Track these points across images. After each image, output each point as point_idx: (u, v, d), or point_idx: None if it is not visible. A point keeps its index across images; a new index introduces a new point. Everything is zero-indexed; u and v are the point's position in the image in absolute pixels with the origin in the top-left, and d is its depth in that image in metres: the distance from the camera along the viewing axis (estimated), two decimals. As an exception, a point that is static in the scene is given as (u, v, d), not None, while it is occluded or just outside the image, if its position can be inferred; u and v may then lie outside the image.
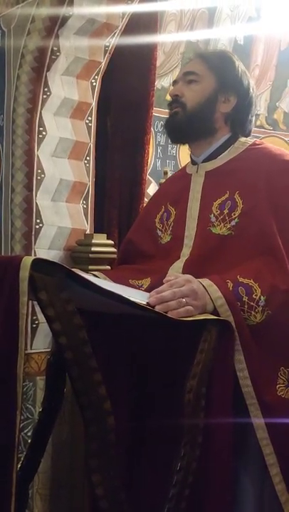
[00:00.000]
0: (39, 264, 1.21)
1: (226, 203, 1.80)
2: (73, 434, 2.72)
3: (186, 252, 1.82)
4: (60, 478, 2.74)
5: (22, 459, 1.67)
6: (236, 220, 1.76)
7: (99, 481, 1.27)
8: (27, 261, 1.20)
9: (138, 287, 1.81)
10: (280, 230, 1.71)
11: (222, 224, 1.78)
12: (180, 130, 1.90)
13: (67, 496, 2.75)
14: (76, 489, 2.69)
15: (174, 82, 1.96)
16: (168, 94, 1.99)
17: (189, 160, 2.02)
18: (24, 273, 1.18)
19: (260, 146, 1.90)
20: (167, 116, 1.93)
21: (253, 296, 1.60)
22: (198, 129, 1.88)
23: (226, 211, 1.79)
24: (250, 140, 1.93)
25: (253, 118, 1.96)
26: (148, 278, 1.82)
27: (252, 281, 1.62)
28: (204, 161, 1.92)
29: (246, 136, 1.95)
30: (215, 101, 1.87)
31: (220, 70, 1.88)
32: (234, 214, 1.77)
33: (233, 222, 1.76)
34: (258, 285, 1.62)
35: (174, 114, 1.88)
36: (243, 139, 1.92)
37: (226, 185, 1.82)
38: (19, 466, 1.64)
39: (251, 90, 1.92)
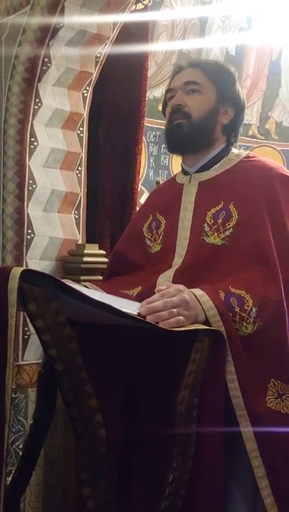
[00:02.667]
0: (28, 274, 1.20)
1: (220, 213, 1.79)
2: (65, 446, 2.71)
3: (178, 261, 1.81)
4: (52, 490, 2.72)
5: (13, 471, 1.66)
6: (231, 230, 1.76)
7: (90, 493, 1.26)
8: (16, 272, 1.19)
9: (129, 296, 1.80)
10: (275, 242, 1.71)
11: (216, 234, 1.77)
12: (184, 141, 1.86)
13: (60, 508, 2.73)
14: (68, 502, 2.67)
15: (171, 91, 1.91)
16: (160, 105, 1.98)
17: (180, 170, 2.01)
18: (13, 284, 1.17)
19: (254, 159, 1.90)
20: (163, 126, 1.91)
21: (245, 307, 1.60)
22: (201, 140, 1.87)
23: (220, 221, 1.78)
24: (243, 152, 1.93)
25: (241, 126, 1.97)
26: (138, 287, 1.82)
27: (244, 292, 1.62)
28: (197, 172, 1.91)
29: (234, 146, 1.95)
30: (217, 112, 1.86)
31: (219, 81, 1.87)
32: (228, 224, 1.76)
33: (227, 233, 1.76)
34: (250, 296, 1.61)
35: (179, 125, 1.84)
36: (236, 151, 1.92)
37: (220, 196, 1.81)
38: (10, 478, 1.62)
39: (244, 100, 1.93)
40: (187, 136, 1.84)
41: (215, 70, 1.90)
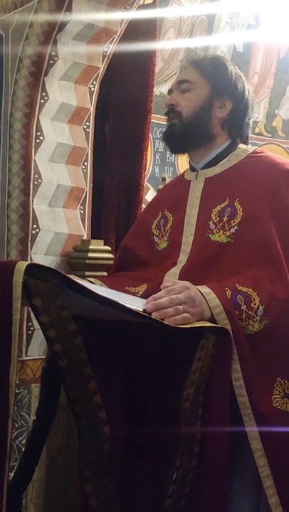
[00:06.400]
0: (33, 269, 1.19)
1: (226, 210, 1.78)
2: (68, 442, 2.70)
3: (183, 259, 1.80)
4: (55, 487, 2.71)
5: (16, 467, 1.65)
6: (236, 227, 1.74)
7: (92, 491, 1.25)
8: (21, 266, 1.18)
9: (134, 294, 1.78)
10: (280, 238, 1.69)
11: (221, 231, 1.76)
12: (178, 141, 1.89)
13: (62, 505, 2.72)
14: (71, 498, 2.66)
15: (169, 92, 1.95)
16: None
17: (188, 166, 2.00)
18: (18, 278, 1.16)
19: (261, 154, 1.89)
20: (166, 123, 1.93)
21: (252, 305, 1.59)
22: (196, 137, 1.87)
23: (225, 218, 1.77)
24: (250, 148, 1.92)
25: (251, 121, 1.95)
26: (144, 285, 1.80)
27: (251, 289, 1.60)
28: (204, 168, 1.90)
29: (244, 142, 1.94)
30: (210, 107, 1.86)
31: (213, 75, 1.87)
32: (233, 222, 1.75)
33: (232, 230, 1.75)
34: (257, 294, 1.60)
35: (172, 126, 1.88)
36: (243, 147, 1.91)
37: (225, 193, 1.81)
38: (13, 474, 1.62)
39: (246, 93, 1.90)
40: (180, 135, 1.87)
41: (209, 64, 1.90)
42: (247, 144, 1.94)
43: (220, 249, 1.75)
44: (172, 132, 1.88)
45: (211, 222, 1.79)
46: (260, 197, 1.75)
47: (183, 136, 1.87)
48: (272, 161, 1.85)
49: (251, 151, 1.90)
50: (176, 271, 1.77)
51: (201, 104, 1.85)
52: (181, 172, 2.87)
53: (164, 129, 1.95)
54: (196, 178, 1.91)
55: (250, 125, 1.95)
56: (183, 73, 1.93)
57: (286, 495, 1.56)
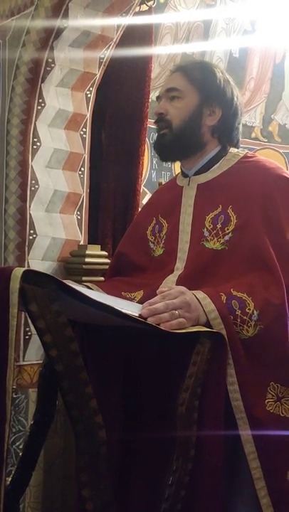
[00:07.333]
0: (30, 275, 1.20)
1: (219, 217, 1.78)
2: (65, 446, 2.70)
3: (179, 266, 1.81)
4: (52, 491, 2.71)
5: (13, 471, 1.66)
6: (230, 234, 1.75)
7: (89, 495, 1.25)
8: (18, 272, 1.19)
9: (131, 300, 1.79)
10: (273, 244, 1.70)
11: (215, 238, 1.77)
12: (169, 150, 1.89)
13: (59, 509, 2.72)
14: (68, 503, 2.66)
15: (158, 98, 1.94)
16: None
17: (180, 172, 2.01)
18: (14, 284, 1.17)
19: (252, 159, 1.88)
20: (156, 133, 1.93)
21: (246, 310, 1.59)
22: (187, 146, 1.87)
23: (218, 225, 1.77)
24: (241, 152, 1.91)
25: (240, 126, 1.93)
26: (141, 291, 1.81)
27: (245, 295, 1.61)
28: (195, 174, 1.91)
29: (235, 146, 1.93)
30: (200, 115, 1.85)
31: (201, 82, 1.85)
32: (227, 229, 1.76)
33: (226, 237, 1.75)
34: (252, 299, 1.61)
35: (162, 136, 1.87)
36: (234, 151, 1.90)
37: (218, 199, 1.81)
38: (10, 479, 1.62)
39: (235, 99, 1.89)
40: (170, 145, 1.86)
41: (197, 71, 1.88)
42: (238, 148, 1.94)
43: (215, 257, 1.75)
44: (163, 142, 1.88)
45: (205, 229, 1.79)
46: (252, 202, 1.75)
47: (173, 147, 1.86)
48: (263, 166, 1.85)
49: (242, 155, 1.89)
50: (173, 279, 1.77)
51: (191, 112, 1.84)
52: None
53: (154, 140, 1.94)
54: (189, 184, 1.91)
55: (240, 129, 1.94)
56: (170, 80, 1.91)
57: (277, 496, 1.58)
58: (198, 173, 1.90)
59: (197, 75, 1.87)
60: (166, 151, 1.91)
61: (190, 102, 1.85)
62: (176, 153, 1.91)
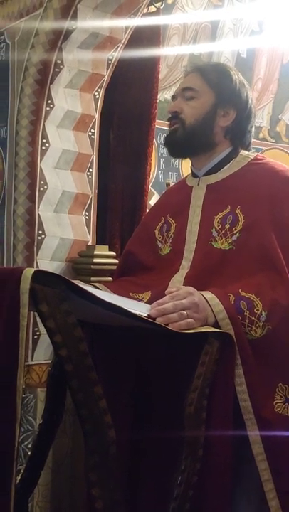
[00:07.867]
0: (40, 276, 1.21)
1: (228, 218, 1.79)
2: (74, 446, 2.71)
3: (185, 265, 1.81)
4: (61, 490, 2.72)
5: (22, 471, 1.67)
6: (237, 234, 1.76)
7: (98, 494, 1.26)
8: (28, 273, 1.20)
9: (139, 301, 1.80)
10: (281, 244, 1.70)
11: (223, 238, 1.78)
12: (179, 146, 1.91)
13: (68, 508, 2.73)
14: (76, 502, 2.67)
15: (173, 97, 1.96)
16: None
17: (190, 172, 2.02)
18: (25, 285, 1.18)
19: (262, 161, 1.90)
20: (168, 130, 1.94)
21: (255, 310, 1.60)
22: (198, 144, 1.88)
23: (227, 226, 1.78)
24: (251, 154, 1.93)
25: (253, 129, 1.95)
26: (148, 292, 1.82)
27: (254, 295, 1.62)
28: (205, 175, 1.92)
29: (246, 148, 1.94)
30: (214, 116, 1.87)
31: (218, 84, 1.87)
32: (235, 229, 1.76)
33: (234, 237, 1.76)
34: (260, 300, 1.61)
35: (174, 131, 1.89)
36: (244, 153, 1.92)
37: (227, 200, 1.82)
38: (19, 478, 1.63)
39: (250, 101, 1.91)
40: (182, 141, 1.87)
41: (213, 72, 1.91)
42: (249, 151, 1.95)
43: (223, 257, 1.76)
44: (173, 138, 1.89)
45: (214, 229, 1.80)
46: (261, 204, 1.76)
47: (184, 143, 1.88)
48: (272, 168, 1.86)
49: (252, 157, 1.91)
50: (180, 278, 1.78)
51: (205, 113, 1.86)
52: (185, 178, 2.89)
53: (166, 134, 1.96)
54: (198, 184, 1.92)
55: (252, 132, 1.96)
56: (187, 80, 1.93)
57: (286, 498, 1.58)
58: (208, 173, 1.91)
59: (213, 76, 1.89)
60: (176, 147, 1.93)
61: (205, 102, 1.87)
62: (186, 150, 1.92)
